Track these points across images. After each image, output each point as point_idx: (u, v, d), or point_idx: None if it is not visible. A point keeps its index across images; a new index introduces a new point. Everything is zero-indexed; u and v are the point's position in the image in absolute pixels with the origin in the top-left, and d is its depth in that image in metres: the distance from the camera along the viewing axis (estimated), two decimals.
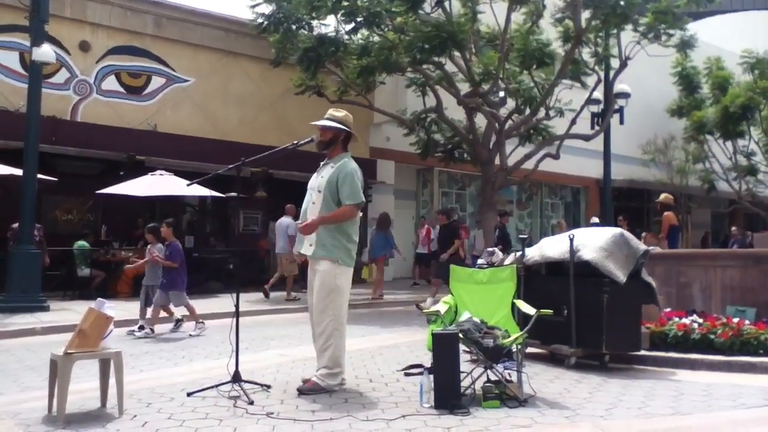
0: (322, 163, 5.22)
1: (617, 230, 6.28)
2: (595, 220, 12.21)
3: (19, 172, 10.25)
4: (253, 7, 13.63)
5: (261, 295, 12.65)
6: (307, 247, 5.01)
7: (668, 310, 7.15)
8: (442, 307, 5.26)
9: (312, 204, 5.05)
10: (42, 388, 4.69)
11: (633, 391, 5.08)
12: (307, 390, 4.82)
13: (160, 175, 12.53)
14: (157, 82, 14.85)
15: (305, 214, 5.10)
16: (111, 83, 14.29)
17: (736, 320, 6.54)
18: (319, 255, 4.93)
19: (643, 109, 20.49)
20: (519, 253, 6.56)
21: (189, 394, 4.74)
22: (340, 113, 5.19)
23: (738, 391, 5.07)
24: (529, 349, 6.18)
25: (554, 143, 15.27)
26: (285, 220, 12.56)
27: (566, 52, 14.47)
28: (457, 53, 13.92)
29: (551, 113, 15.12)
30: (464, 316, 5.13)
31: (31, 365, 6.16)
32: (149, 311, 8.37)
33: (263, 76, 15.88)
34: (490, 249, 10.53)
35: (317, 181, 5.10)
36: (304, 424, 4.06)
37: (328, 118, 5.13)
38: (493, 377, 4.81)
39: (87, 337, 4.28)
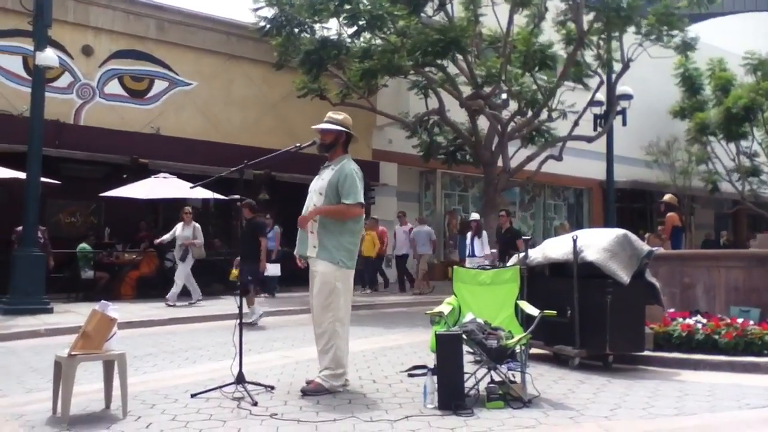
0: (322, 166, 5.23)
1: (621, 231, 6.27)
2: (475, 216, 12.09)
3: (22, 175, 10.28)
4: (256, 10, 13.68)
5: (264, 296, 12.71)
6: (311, 249, 5.01)
7: (672, 310, 7.14)
8: (445, 308, 5.26)
9: (313, 206, 5.06)
10: (46, 390, 4.70)
11: (637, 391, 5.07)
12: (311, 391, 4.82)
13: (164, 178, 12.57)
14: (159, 85, 14.89)
15: None
16: (114, 87, 14.34)
17: (740, 321, 6.53)
18: (319, 256, 4.94)
19: (645, 111, 20.49)
20: (522, 255, 6.55)
21: (193, 396, 4.74)
22: (340, 116, 5.20)
23: (742, 392, 5.06)
24: (533, 350, 6.16)
25: (557, 145, 15.29)
26: (425, 228, 15.03)
27: (568, 54, 14.48)
28: (459, 56, 13.94)
29: (554, 115, 15.13)
30: (468, 317, 5.12)
31: (35, 367, 6.17)
32: None
33: (265, 79, 15.92)
34: (494, 250, 10.53)
35: (318, 183, 5.10)
36: (308, 425, 4.06)
37: (327, 121, 5.14)
38: (496, 378, 4.81)
39: (91, 339, 4.28)
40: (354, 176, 4.98)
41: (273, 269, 12.22)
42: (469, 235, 12.04)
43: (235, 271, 13.73)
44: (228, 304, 11.64)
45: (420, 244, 14.75)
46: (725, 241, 21.69)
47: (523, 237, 7.05)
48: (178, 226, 11.46)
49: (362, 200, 5.01)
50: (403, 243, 15.22)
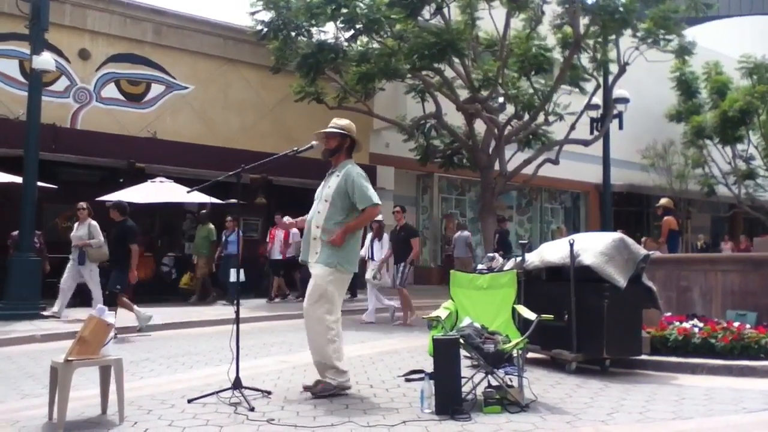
0: (328, 173, 5.26)
1: (617, 235, 6.28)
2: (377, 217, 11.11)
3: (19, 179, 10.26)
4: (253, 14, 13.69)
5: (261, 301, 12.69)
6: (312, 254, 5.03)
7: (669, 314, 7.15)
8: (442, 313, 5.26)
9: (317, 213, 5.06)
10: (42, 396, 4.69)
11: (634, 395, 5.07)
12: (320, 391, 4.85)
13: (160, 182, 12.56)
14: (156, 89, 14.88)
15: (310, 224, 5.11)
16: (111, 91, 14.33)
17: (736, 324, 6.54)
18: (318, 260, 4.96)
19: (642, 114, 20.54)
20: (519, 259, 6.56)
21: (190, 401, 4.72)
22: (344, 121, 5.26)
23: (739, 395, 5.06)
24: (530, 354, 6.18)
25: (553, 148, 15.30)
26: (464, 233, 14.90)
27: (565, 57, 14.51)
28: (456, 59, 13.96)
29: (550, 119, 15.15)
30: (465, 321, 5.12)
31: (31, 373, 6.15)
32: None
33: (262, 83, 15.93)
34: (491, 254, 10.40)
35: (324, 191, 5.12)
36: (305, 430, 4.05)
37: (332, 127, 5.18)
38: (494, 382, 4.80)
39: (87, 344, 4.27)
40: (360, 180, 5.02)
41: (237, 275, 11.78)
42: (369, 237, 10.83)
43: (186, 278, 13.35)
44: (221, 309, 11.65)
45: (459, 250, 14.75)
46: (702, 245, 21.74)
47: (520, 241, 7.04)
48: (75, 225, 10.19)
49: (377, 200, 5.04)
50: None
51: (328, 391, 4.83)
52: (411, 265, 10.46)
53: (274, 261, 13.48)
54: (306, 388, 5.03)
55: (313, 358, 5.01)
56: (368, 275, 10.60)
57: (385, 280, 10.61)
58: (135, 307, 8.98)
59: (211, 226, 13.07)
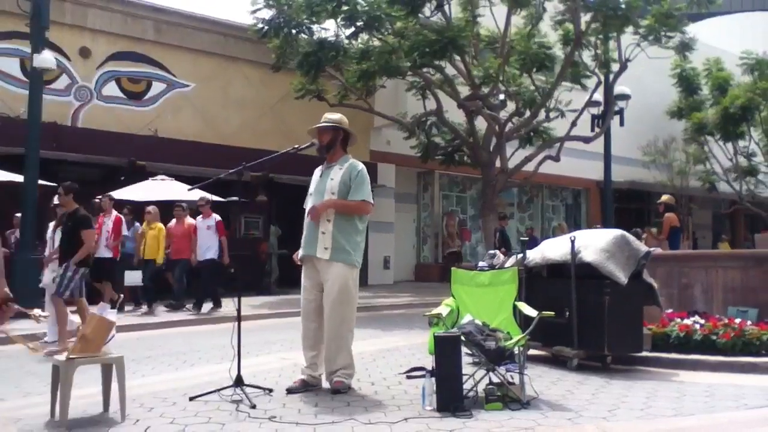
0: (322, 168, 5.22)
1: (618, 232, 6.28)
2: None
3: (20, 178, 10.27)
4: (254, 12, 13.68)
5: (263, 298, 12.66)
6: (321, 250, 4.94)
7: (670, 311, 7.14)
8: (443, 310, 5.26)
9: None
10: (44, 394, 4.70)
11: (635, 392, 5.07)
12: (339, 388, 4.89)
13: (161, 180, 12.55)
14: (157, 87, 14.89)
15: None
16: (111, 89, 14.33)
17: (737, 321, 6.54)
18: (335, 258, 4.92)
19: (643, 111, 20.52)
20: (520, 255, 6.55)
21: (191, 399, 4.73)
22: (335, 116, 5.24)
23: (740, 392, 5.06)
24: (531, 351, 6.18)
25: (554, 145, 15.30)
26: None
27: (566, 54, 14.49)
28: (457, 57, 13.95)
29: (551, 115, 15.14)
30: (466, 318, 5.12)
31: (33, 371, 6.15)
32: None
33: (263, 81, 15.92)
34: (492, 252, 10.24)
35: (328, 184, 5.03)
36: (307, 428, 4.05)
37: (323, 121, 5.17)
38: (495, 379, 4.81)
39: (89, 342, 4.28)
40: (365, 174, 5.07)
41: (134, 277, 10.21)
42: (50, 226, 8.35)
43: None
44: (228, 306, 11.65)
45: None
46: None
47: (521, 238, 7.02)
48: None
49: (371, 201, 5.09)
50: (207, 244, 10.67)
51: (345, 388, 4.92)
52: (81, 266, 7.23)
53: (99, 260, 9.20)
54: (291, 390, 4.98)
55: (328, 356, 4.99)
56: (46, 279, 8.00)
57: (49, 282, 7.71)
58: None
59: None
